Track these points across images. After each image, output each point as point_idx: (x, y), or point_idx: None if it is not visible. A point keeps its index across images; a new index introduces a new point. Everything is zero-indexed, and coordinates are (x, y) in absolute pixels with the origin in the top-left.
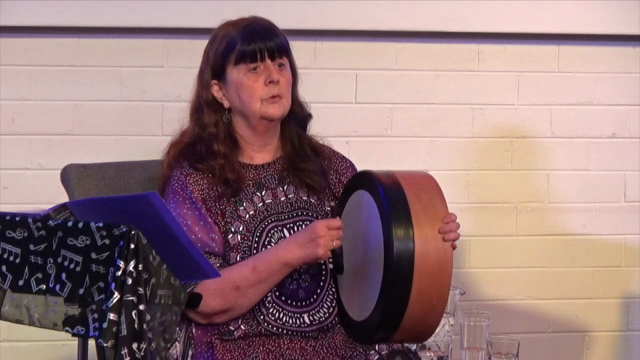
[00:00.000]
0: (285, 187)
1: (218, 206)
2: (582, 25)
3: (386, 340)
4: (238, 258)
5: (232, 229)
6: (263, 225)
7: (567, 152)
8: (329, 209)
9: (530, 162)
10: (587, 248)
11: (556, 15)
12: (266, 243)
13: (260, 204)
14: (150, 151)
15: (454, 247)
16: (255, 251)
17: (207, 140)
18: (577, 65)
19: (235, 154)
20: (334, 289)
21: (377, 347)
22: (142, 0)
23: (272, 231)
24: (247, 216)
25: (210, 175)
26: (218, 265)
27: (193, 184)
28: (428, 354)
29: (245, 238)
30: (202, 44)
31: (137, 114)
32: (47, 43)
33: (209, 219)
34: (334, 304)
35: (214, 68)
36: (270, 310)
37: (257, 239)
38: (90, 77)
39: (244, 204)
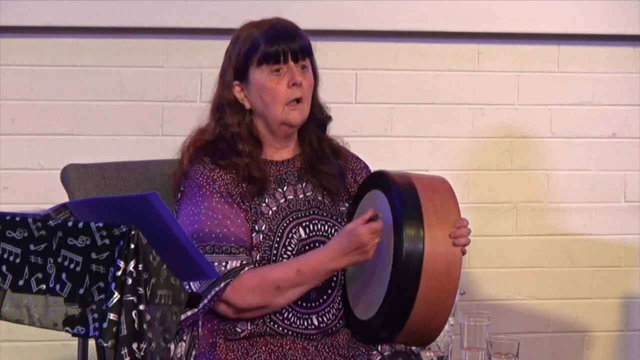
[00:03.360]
0: (303, 185)
1: (242, 202)
2: (582, 25)
3: (389, 340)
4: (258, 257)
5: (256, 228)
6: (284, 224)
7: (567, 152)
8: (343, 209)
9: (530, 162)
10: (587, 248)
11: (556, 15)
12: (286, 244)
13: (282, 200)
14: (150, 151)
15: (463, 253)
16: (275, 252)
17: (229, 140)
18: (577, 65)
19: (259, 152)
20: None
21: (379, 348)
22: (142, 0)
23: (292, 231)
24: (270, 212)
25: (233, 171)
26: (251, 261)
27: (219, 179)
28: (428, 354)
29: (267, 238)
30: (202, 44)
31: (137, 114)
32: (47, 43)
33: (241, 214)
34: (341, 306)
35: (237, 69)
36: (281, 310)
37: (278, 239)
38: (90, 77)
39: (267, 200)
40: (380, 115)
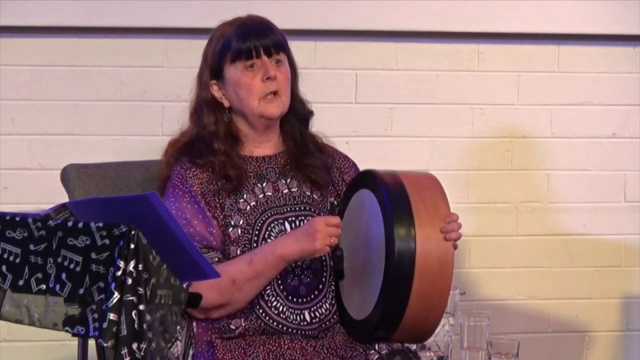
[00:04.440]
0: (288, 181)
1: (217, 200)
2: (582, 25)
3: (386, 339)
4: (238, 252)
5: (232, 223)
6: (263, 218)
7: (567, 152)
8: (332, 200)
9: (530, 162)
10: (587, 248)
11: (556, 15)
12: (266, 237)
13: (261, 196)
14: (150, 151)
15: (455, 247)
16: (255, 245)
17: (206, 139)
18: (577, 65)
19: (236, 149)
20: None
21: (377, 347)
22: (142, 0)
23: (272, 224)
24: (248, 208)
25: (210, 169)
26: (217, 259)
27: (193, 178)
28: (428, 354)
29: (245, 231)
30: (202, 44)
31: (137, 114)
32: (47, 43)
33: (208, 213)
34: (334, 302)
35: (212, 68)
36: (274, 304)
37: (257, 232)
38: (90, 77)
39: (245, 196)
40: (380, 115)
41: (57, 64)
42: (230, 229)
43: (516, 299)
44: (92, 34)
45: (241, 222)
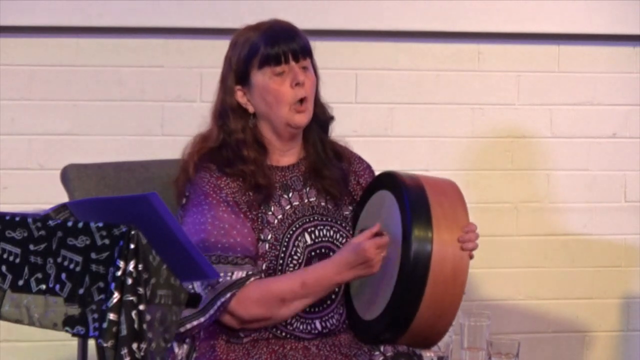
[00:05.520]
0: (307, 190)
1: (250, 211)
2: (582, 25)
3: (392, 342)
4: (264, 267)
5: (262, 237)
6: (290, 232)
7: (567, 152)
8: (347, 213)
9: (530, 162)
10: (587, 248)
11: (556, 15)
12: (292, 253)
13: (288, 207)
14: (150, 151)
15: (471, 257)
16: (281, 261)
17: (234, 146)
18: (577, 65)
19: (264, 158)
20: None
21: (382, 349)
22: (142, 0)
23: (298, 238)
24: (276, 221)
25: (240, 179)
26: (257, 271)
27: (226, 188)
28: (428, 354)
29: (273, 247)
30: (202, 43)
31: (137, 114)
32: (47, 43)
33: (247, 223)
34: (343, 310)
35: (238, 73)
36: None
37: (284, 249)
38: (90, 77)
39: (272, 208)
40: (380, 115)
41: (57, 64)
42: (260, 243)
43: (516, 299)
44: (92, 34)
45: (269, 237)
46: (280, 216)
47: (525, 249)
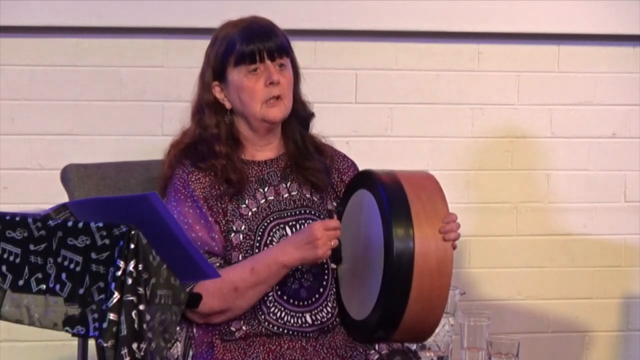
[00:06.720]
0: (288, 184)
1: (220, 205)
2: (582, 25)
3: (386, 339)
4: (240, 257)
5: (234, 228)
6: (265, 224)
7: (567, 152)
8: (330, 208)
9: (530, 162)
10: (587, 248)
11: (556, 15)
12: (268, 242)
13: (263, 201)
14: (150, 151)
15: (454, 247)
16: (257, 250)
17: (208, 141)
18: (577, 65)
19: (237, 153)
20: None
21: (377, 347)
22: (142, 0)
23: (274, 229)
24: (250, 214)
25: (212, 174)
26: (218, 265)
27: (195, 182)
28: (428, 354)
29: (247, 237)
30: (202, 43)
31: (137, 114)
32: (47, 43)
33: (210, 218)
34: (335, 304)
35: (215, 69)
36: (272, 309)
37: (259, 238)
38: (90, 77)
39: (247, 201)
40: (380, 115)
41: (57, 64)
42: (232, 234)
43: (516, 299)
44: (92, 34)
45: (243, 228)
46: (254, 209)
47: (525, 249)
